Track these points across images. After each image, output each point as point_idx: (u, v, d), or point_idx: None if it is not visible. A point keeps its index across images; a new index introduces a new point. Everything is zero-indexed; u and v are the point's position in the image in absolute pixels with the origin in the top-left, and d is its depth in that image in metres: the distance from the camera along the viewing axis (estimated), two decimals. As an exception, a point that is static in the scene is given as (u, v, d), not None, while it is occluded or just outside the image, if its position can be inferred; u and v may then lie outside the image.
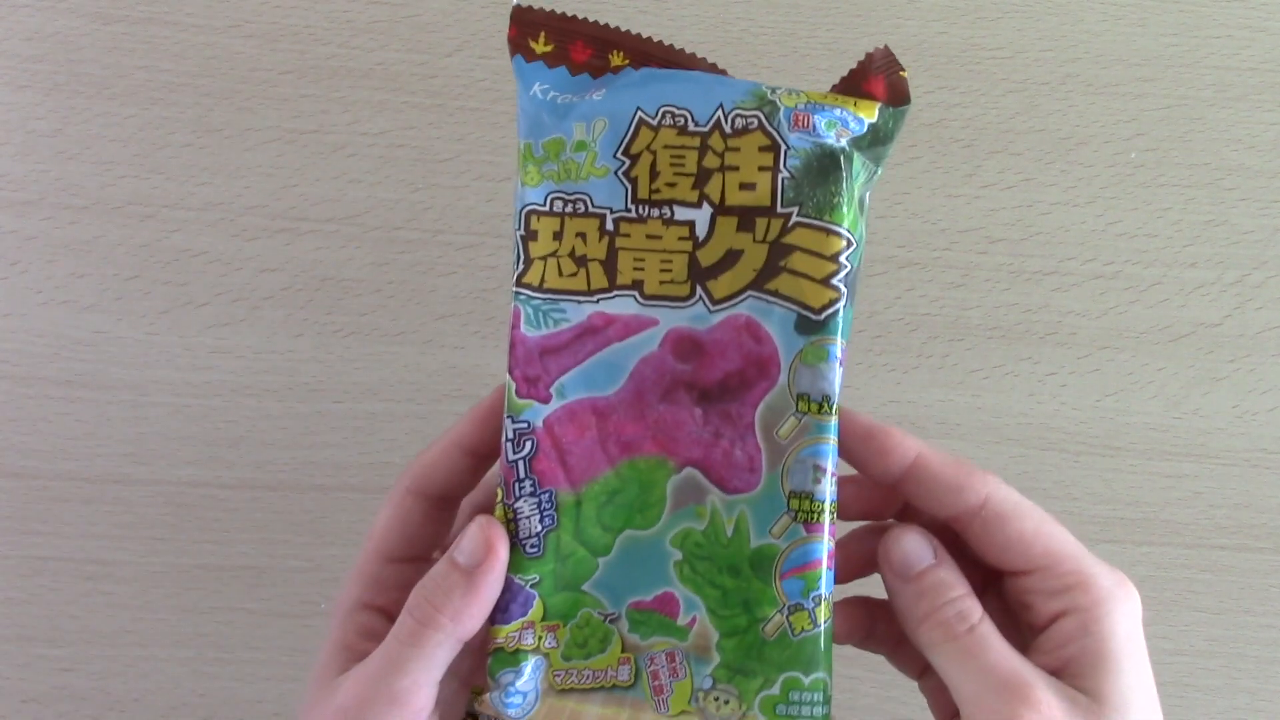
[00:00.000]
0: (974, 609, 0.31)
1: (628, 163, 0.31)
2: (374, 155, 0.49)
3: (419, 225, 0.49)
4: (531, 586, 0.31)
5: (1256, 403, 0.49)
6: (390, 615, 0.32)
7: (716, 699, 0.31)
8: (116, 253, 0.48)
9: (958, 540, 0.33)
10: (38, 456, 0.48)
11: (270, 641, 0.49)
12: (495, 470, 0.33)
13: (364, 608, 0.33)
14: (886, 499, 0.35)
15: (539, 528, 0.31)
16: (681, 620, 0.31)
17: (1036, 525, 0.31)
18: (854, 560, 0.34)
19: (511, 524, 0.31)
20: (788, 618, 0.31)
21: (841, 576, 0.33)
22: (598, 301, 0.31)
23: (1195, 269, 0.50)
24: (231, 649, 0.48)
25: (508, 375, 0.31)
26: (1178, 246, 0.50)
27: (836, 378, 0.31)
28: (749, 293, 0.31)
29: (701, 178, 0.31)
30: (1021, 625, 0.32)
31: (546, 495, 0.31)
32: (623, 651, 0.31)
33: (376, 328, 0.49)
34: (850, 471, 0.33)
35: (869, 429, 0.32)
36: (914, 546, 0.32)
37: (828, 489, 0.31)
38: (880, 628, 0.35)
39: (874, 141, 0.32)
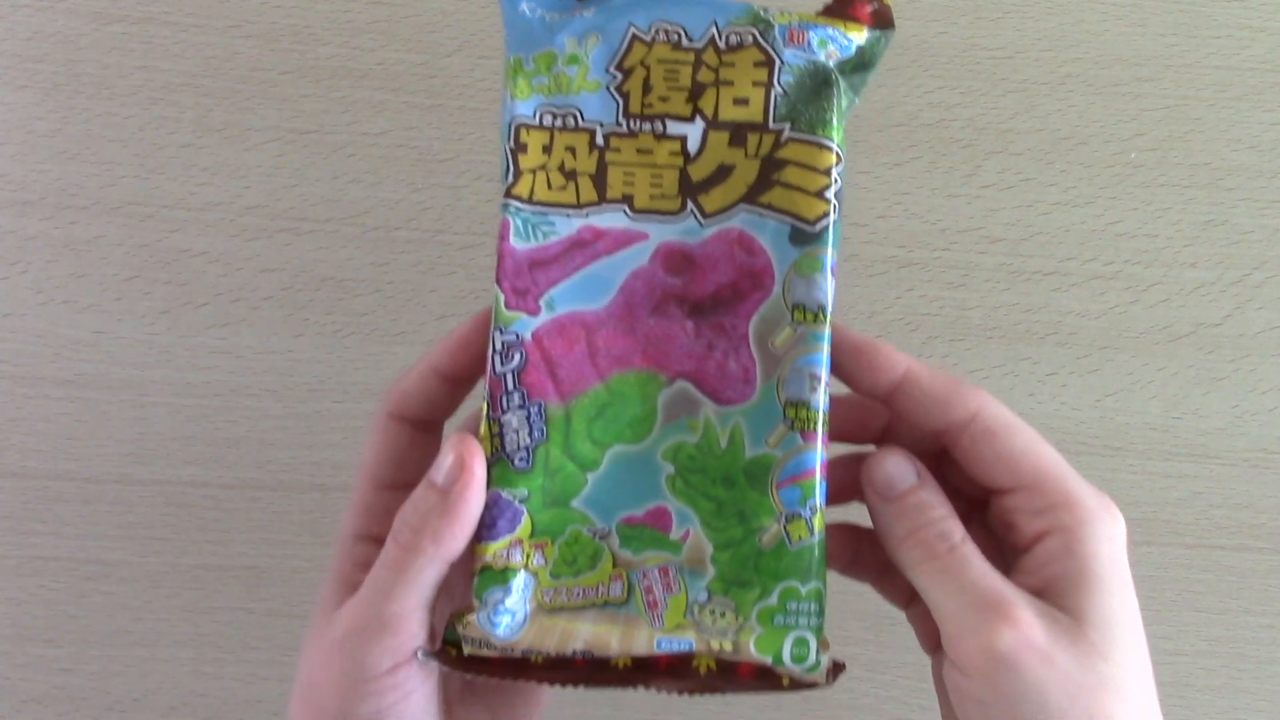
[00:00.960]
0: (955, 529, 0.31)
1: (620, 77, 0.31)
2: (374, 155, 0.49)
3: (419, 225, 0.49)
4: (520, 502, 0.31)
5: (1256, 403, 0.49)
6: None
7: (712, 612, 0.31)
8: (116, 253, 0.48)
9: (942, 468, 0.33)
10: (38, 456, 0.48)
11: (270, 641, 0.49)
12: (478, 396, 0.33)
13: (360, 538, 0.33)
14: (868, 419, 0.35)
15: (528, 440, 0.31)
16: (674, 534, 0.31)
17: (1026, 443, 0.31)
18: (834, 486, 0.33)
19: (498, 438, 0.31)
20: (785, 527, 0.31)
21: None
22: (587, 215, 0.31)
23: (1195, 269, 0.50)
24: (231, 649, 0.48)
25: (495, 287, 0.31)
26: (1178, 246, 0.50)
27: (830, 288, 0.31)
28: (741, 206, 0.31)
29: (695, 92, 0.31)
30: (1005, 548, 0.32)
31: (536, 407, 0.31)
32: (614, 568, 0.31)
33: (376, 328, 0.49)
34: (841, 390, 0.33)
35: (860, 343, 0.32)
36: (897, 468, 0.32)
37: (823, 398, 0.31)
38: (865, 555, 0.35)
39: (857, 66, 0.32)
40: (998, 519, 0.32)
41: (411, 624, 0.30)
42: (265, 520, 0.48)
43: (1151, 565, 0.49)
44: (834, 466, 0.34)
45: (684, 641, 0.31)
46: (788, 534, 0.31)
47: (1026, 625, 0.29)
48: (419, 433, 0.34)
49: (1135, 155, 0.50)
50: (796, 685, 0.31)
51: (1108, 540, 0.30)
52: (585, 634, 0.31)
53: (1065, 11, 0.50)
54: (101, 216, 0.48)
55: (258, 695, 0.48)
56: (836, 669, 0.31)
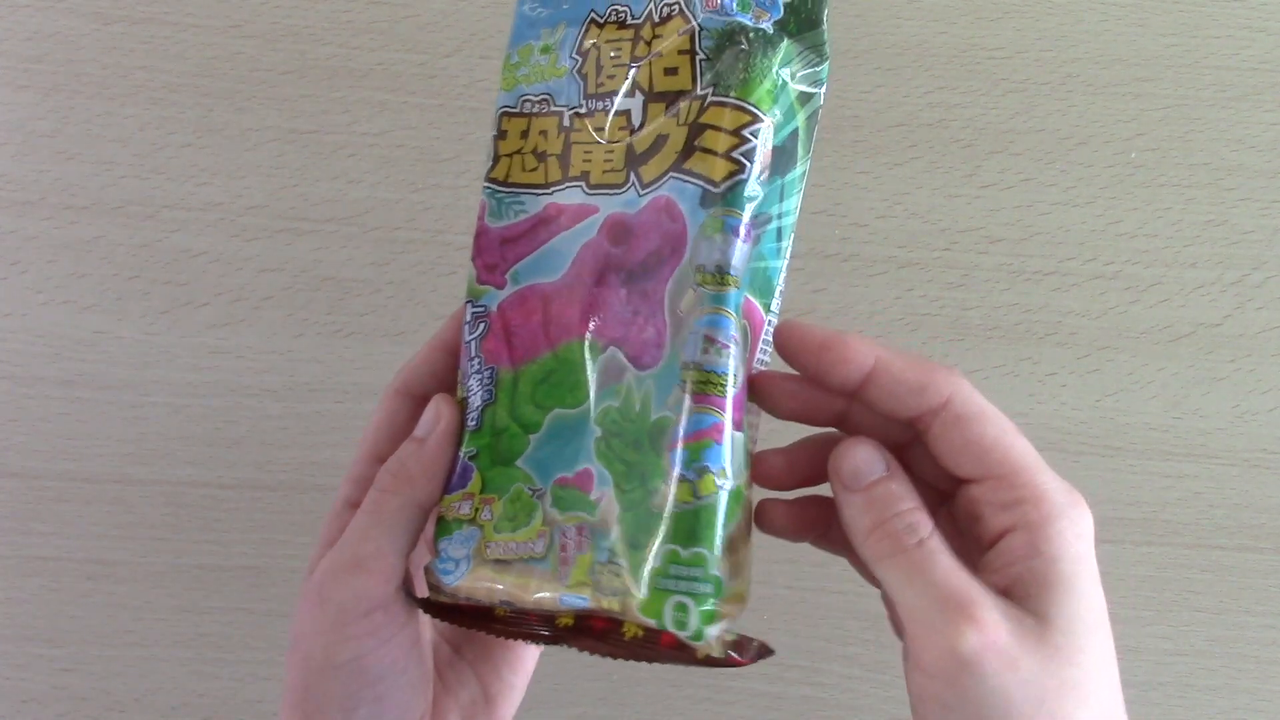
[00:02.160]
0: (923, 523, 0.30)
1: (580, 60, 0.33)
2: (374, 155, 0.49)
3: (419, 225, 0.49)
4: (469, 459, 0.32)
5: (1256, 403, 0.49)
6: None
7: (610, 571, 0.31)
8: (116, 253, 0.48)
9: (910, 458, 0.32)
10: (38, 456, 0.48)
11: (270, 641, 0.49)
12: None
13: (350, 506, 0.34)
14: (825, 399, 0.34)
15: (478, 402, 0.33)
16: (593, 495, 0.31)
17: (997, 432, 0.30)
18: (801, 469, 0.33)
19: (464, 401, 0.33)
20: (672, 489, 0.30)
21: (790, 483, 0.33)
22: (552, 193, 0.33)
23: (1195, 269, 0.50)
24: (231, 649, 0.48)
25: (470, 263, 0.33)
26: (1178, 246, 0.50)
27: (734, 250, 0.31)
28: (670, 174, 0.32)
29: (635, 68, 0.33)
30: (971, 541, 0.31)
31: (488, 372, 0.33)
32: (542, 525, 0.32)
33: (376, 328, 0.49)
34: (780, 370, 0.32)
35: (824, 339, 0.31)
36: (865, 458, 0.31)
37: (721, 360, 0.30)
38: (836, 530, 0.34)
39: (801, 25, 0.32)
40: (964, 510, 0.32)
41: (383, 564, 0.31)
42: (265, 520, 0.48)
43: (1151, 565, 0.49)
44: (801, 449, 0.33)
45: (580, 599, 0.31)
46: (673, 497, 0.30)
47: (992, 627, 0.28)
48: (419, 408, 0.35)
49: (1135, 155, 0.50)
50: (711, 662, 0.30)
51: (1075, 538, 0.29)
52: (506, 586, 0.32)
53: (1065, 11, 0.50)
54: (101, 216, 0.48)
55: (258, 695, 0.48)
56: (749, 649, 0.31)
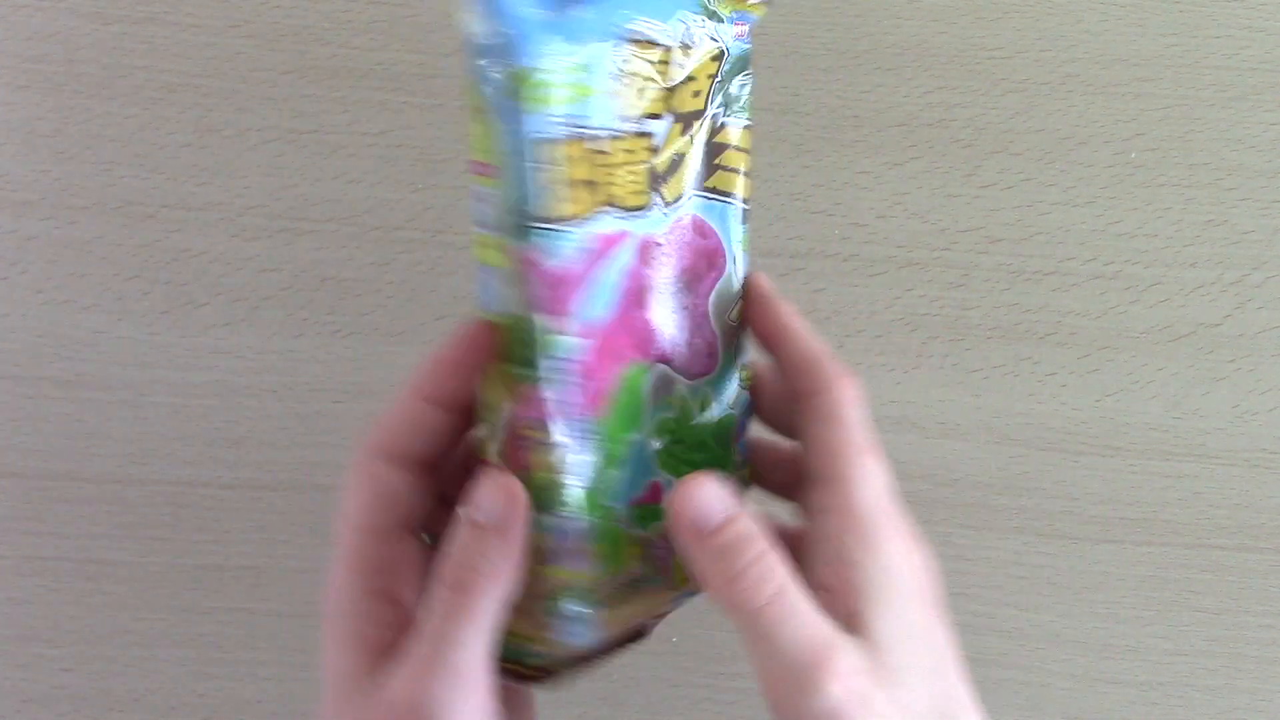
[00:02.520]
0: (774, 569, 0.29)
1: (618, 81, 0.31)
2: (374, 155, 0.49)
3: (419, 225, 0.49)
4: (583, 516, 0.31)
5: (1256, 403, 0.49)
6: (397, 600, 0.31)
7: None
8: (116, 253, 0.48)
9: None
10: (38, 456, 0.48)
11: (270, 641, 0.49)
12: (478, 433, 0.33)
13: (370, 595, 0.31)
14: None
15: (585, 459, 0.31)
16: (665, 502, 0.32)
17: (844, 442, 0.31)
18: None
19: (560, 462, 0.30)
20: (743, 473, 0.35)
21: None
22: (593, 223, 0.31)
23: (1195, 269, 0.50)
24: (231, 649, 0.48)
25: (533, 313, 0.30)
26: (1178, 246, 0.50)
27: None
28: (691, 192, 0.33)
29: (669, 90, 0.32)
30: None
31: (584, 425, 0.31)
32: (632, 548, 0.33)
33: (376, 328, 0.49)
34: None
35: (764, 293, 0.34)
36: (710, 497, 0.30)
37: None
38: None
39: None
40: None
41: (483, 668, 0.29)
42: (265, 520, 0.48)
43: (1151, 565, 0.49)
44: None
45: (690, 593, 0.34)
46: (744, 480, 0.35)
47: (847, 675, 0.28)
48: (411, 473, 0.32)
49: (1135, 155, 0.50)
50: None
51: (876, 553, 0.29)
52: (638, 614, 0.34)
53: (1065, 11, 0.50)
54: (101, 216, 0.48)
55: (257, 695, 0.48)
56: None
